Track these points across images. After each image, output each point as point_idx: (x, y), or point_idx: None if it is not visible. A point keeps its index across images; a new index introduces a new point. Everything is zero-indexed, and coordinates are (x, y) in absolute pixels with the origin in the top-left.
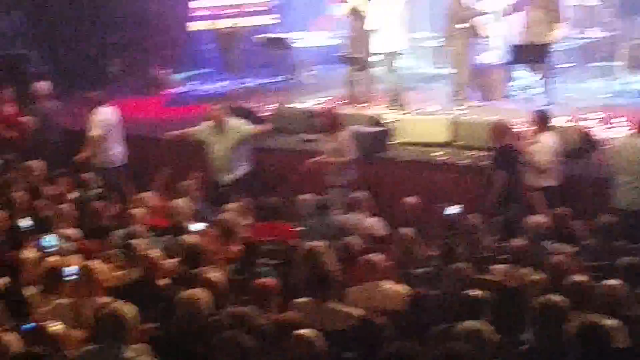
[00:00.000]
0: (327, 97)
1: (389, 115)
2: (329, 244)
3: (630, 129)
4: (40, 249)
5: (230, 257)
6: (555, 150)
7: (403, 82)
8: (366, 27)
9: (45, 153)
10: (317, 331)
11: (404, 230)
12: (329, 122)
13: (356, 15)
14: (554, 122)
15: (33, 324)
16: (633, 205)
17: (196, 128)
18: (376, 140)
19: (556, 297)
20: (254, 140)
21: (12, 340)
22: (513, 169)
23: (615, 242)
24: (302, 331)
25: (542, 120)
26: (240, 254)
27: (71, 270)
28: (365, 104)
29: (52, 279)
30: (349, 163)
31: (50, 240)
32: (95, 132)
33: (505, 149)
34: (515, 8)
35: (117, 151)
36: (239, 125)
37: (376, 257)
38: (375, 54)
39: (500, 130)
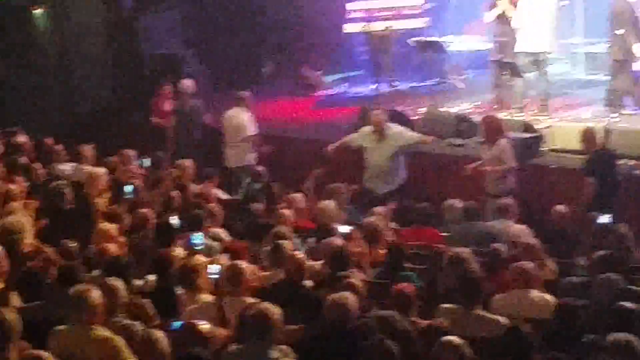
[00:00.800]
0: (477, 102)
1: (540, 121)
2: (476, 250)
3: None
4: (188, 247)
5: (376, 261)
6: None
7: (551, 87)
8: (514, 25)
9: (188, 150)
10: (463, 339)
11: (529, 240)
12: (489, 129)
13: (504, 19)
14: None
15: (181, 322)
16: None
17: (355, 135)
18: (528, 146)
19: None
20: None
21: (161, 337)
22: (607, 174)
23: None
24: (449, 338)
25: None
26: (385, 258)
27: (215, 269)
28: (516, 110)
29: (197, 277)
30: (509, 171)
31: (198, 238)
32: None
33: (598, 154)
34: None
35: (231, 152)
36: (401, 133)
37: (528, 265)
38: (520, 53)
39: (590, 135)
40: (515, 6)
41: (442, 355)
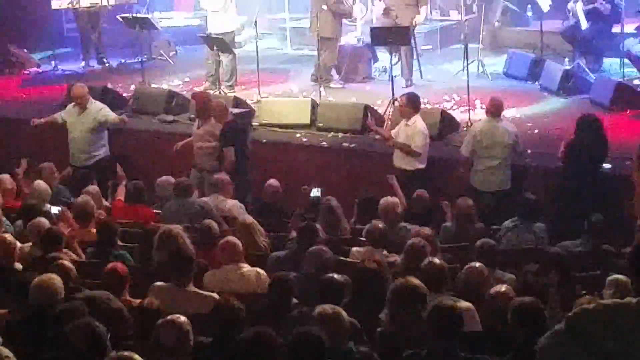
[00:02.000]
0: (187, 78)
1: (252, 96)
2: (188, 227)
3: (486, 112)
4: None
5: (87, 241)
6: (427, 133)
7: (261, 61)
8: (203, 6)
9: None
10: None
11: (244, 218)
12: (200, 106)
13: None
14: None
15: None
16: (489, 187)
17: (62, 112)
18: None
19: (415, 280)
20: (112, 127)
21: None
22: (241, 144)
23: (473, 224)
24: (174, 317)
25: (413, 104)
26: (97, 238)
27: None
28: (226, 85)
29: None
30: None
31: None
32: None
33: (231, 125)
34: None
35: None
36: (99, 110)
37: (235, 240)
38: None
39: (221, 108)
40: None
41: (163, 333)
